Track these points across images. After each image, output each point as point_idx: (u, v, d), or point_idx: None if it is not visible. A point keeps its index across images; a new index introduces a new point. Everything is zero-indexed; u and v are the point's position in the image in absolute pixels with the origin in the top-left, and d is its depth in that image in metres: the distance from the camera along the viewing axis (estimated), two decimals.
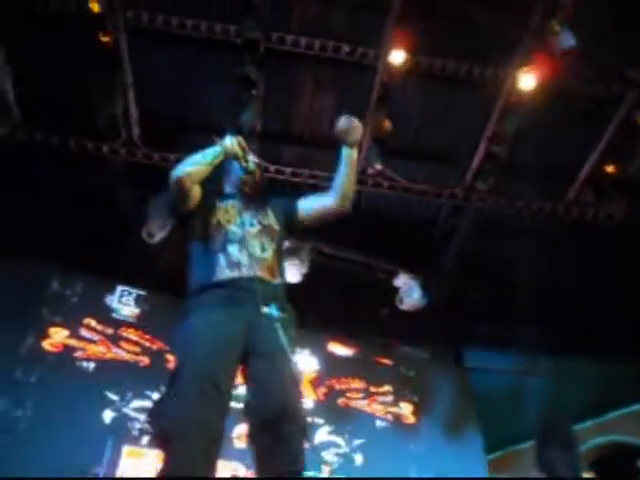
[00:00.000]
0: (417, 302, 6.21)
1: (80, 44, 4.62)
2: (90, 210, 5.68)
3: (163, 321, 5.82)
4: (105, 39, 4.34)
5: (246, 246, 2.04)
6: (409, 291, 6.18)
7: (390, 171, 5.29)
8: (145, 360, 5.58)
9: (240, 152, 2.22)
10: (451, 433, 6.50)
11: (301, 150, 5.65)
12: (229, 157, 2.23)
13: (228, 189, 2.33)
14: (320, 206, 2.31)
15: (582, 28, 4.16)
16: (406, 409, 6.56)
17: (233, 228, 2.10)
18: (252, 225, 2.15)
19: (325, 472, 5.49)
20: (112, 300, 5.75)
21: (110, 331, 5.55)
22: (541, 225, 6.07)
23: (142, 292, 5.88)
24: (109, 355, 5.45)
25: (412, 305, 6.23)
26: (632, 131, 4.95)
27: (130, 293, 5.84)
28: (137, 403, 5.29)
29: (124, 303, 5.78)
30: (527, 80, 4.55)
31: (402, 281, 6.25)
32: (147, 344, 5.64)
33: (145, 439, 5.09)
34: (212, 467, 1.70)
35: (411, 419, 6.54)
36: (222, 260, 2.01)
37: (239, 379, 1.94)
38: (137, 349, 5.59)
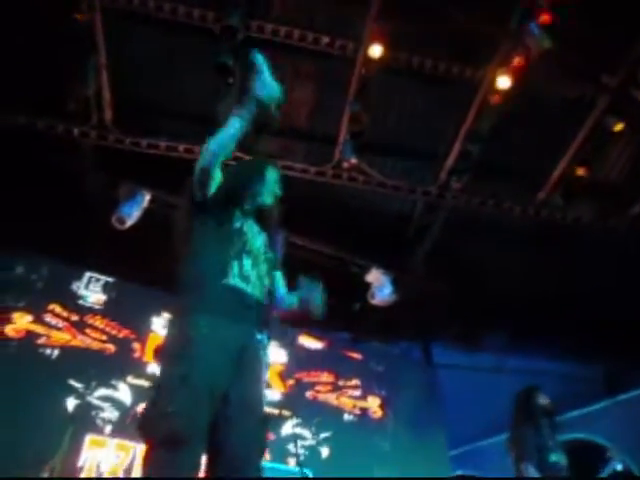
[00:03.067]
0: (388, 298, 6.24)
1: (53, 22, 4.50)
2: (59, 194, 5.54)
3: (131, 309, 5.74)
4: (79, 17, 4.21)
5: (257, 264, 1.99)
6: (381, 286, 6.21)
7: (365, 166, 5.30)
8: (111, 348, 5.49)
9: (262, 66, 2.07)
10: (416, 428, 6.57)
11: (279, 141, 5.60)
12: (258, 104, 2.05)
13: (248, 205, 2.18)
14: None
15: (559, 32, 4.22)
16: (373, 403, 6.61)
17: (252, 241, 2.04)
18: (263, 248, 2.10)
19: (290, 464, 5.49)
20: (79, 286, 5.64)
21: (76, 318, 5.43)
22: (512, 225, 6.17)
23: (110, 279, 5.77)
24: (74, 342, 5.34)
25: (383, 300, 6.26)
26: (603, 136, 5.05)
27: (98, 280, 5.73)
28: (102, 392, 5.20)
29: (91, 290, 5.66)
30: (503, 80, 4.59)
31: (374, 276, 6.28)
32: (113, 332, 5.55)
33: (108, 428, 5.02)
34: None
35: (378, 413, 6.60)
36: (236, 268, 1.91)
37: None
38: (103, 337, 5.49)
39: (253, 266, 1.97)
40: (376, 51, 4.53)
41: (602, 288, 6.43)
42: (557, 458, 3.28)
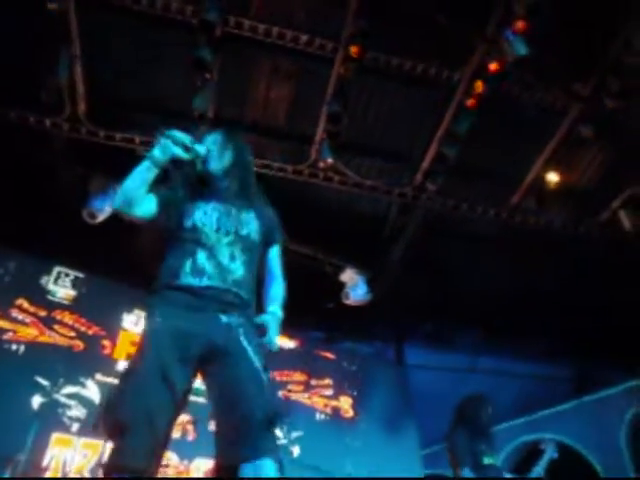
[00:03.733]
0: (362, 298, 6.26)
1: (26, 10, 4.39)
2: (29, 186, 5.42)
3: (101, 305, 5.66)
4: (52, 7, 4.11)
5: (215, 254, 1.99)
6: (355, 286, 6.22)
7: (342, 166, 5.30)
8: (80, 345, 5.39)
9: (179, 150, 2.00)
10: (388, 427, 6.61)
11: (255, 138, 5.57)
12: (171, 160, 2.03)
13: (203, 185, 2.18)
14: (267, 267, 2.22)
15: (534, 40, 4.28)
16: (345, 403, 6.63)
17: (207, 233, 2.03)
18: (227, 233, 2.05)
19: None
20: (48, 281, 5.52)
21: (44, 313, 5.32)
22: (486, 228, 6.25)
23: (80, 274, 5.67)
24: (41, 338, 5.23)
25: (357, 300, 6.28)
26: (575, 143, 5.15)
27: (68, 275, 5.63)
28: (69, 389, 5.11)
29: (61, 285, 5.55)
30: (479, 84, 4.64)
31: (348, 276, 6.29)
32: (82, 328, 5.45)
33: (75, 427, 4.93)
34: (157, 463, 1.71)
35: (350, 413, 6.62)
36: (187, 265, 1.96)
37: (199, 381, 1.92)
38: (72, 333, 5.39)
39: (209, 257, 1.98)
40: (354, 51, 4.52)
41: (573, 291, 6.56)
42: (491, 460, 3.40)
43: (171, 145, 1.99)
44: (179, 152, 2.00)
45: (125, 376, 1.80)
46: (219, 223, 2.07)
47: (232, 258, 2.02)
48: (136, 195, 1.99)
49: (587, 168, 5.63)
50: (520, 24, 4.25)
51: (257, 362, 1.84)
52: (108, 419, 1.72)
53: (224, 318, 1.89)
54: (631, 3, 4.27)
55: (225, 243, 2.03)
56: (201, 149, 2.07)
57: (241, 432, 1.73)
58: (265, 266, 2.20)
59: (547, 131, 5.21)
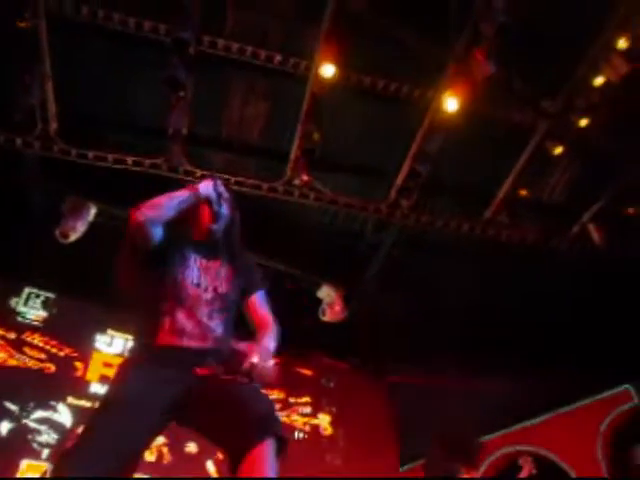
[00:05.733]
0: (339, 314, 6.26)
1: None
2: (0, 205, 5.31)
3: (73, 326, 5.54)
4: (22, 25, 4.08)
5: (195, 312, 1.94)
6: (332, 303, 6.22)
7: (318, 182, 5.33)
8: (51, 367, 5.26)
9: (215, 196, 2.07)
10: (367, 445, 6.57)
11: (229, 156, 5.58)
12: (201, 201, 2.06)
13: (196, 237, 2.14)
14: (256, 316, 2.14)
15: (502, 59, 4.39)
16: (324, 420, 6.58)
17: (189, 289, 1.98)
18: (206, 290, 2.01)
19: None
20: (18, 302, 5.39)
21: (13, 336, 5.19)
22: (460, 243, 6.32)
23: (52, 295, 5.55)
24: (10, 362, 5.08)
25: (334, 317, 6.27)
26: (544, 159, 5.27)
27: (38, 295, 5.50)
28: (39, 414, 4.97)
29: (31, 306, 5.43)
30: (450, 103, 4.73)
31: (325, 292, 6.28)
32: (54, 350, 5.32)
33: (46, 452, 4.78)
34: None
35: (329, 430, 6.56)
36: (167, 324, 1.90)
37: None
38: (42, 355, 5.26)
39: (190, 316, 1.93)
40: (328, 70, 4.59)
41: (547, 305, 6.66)
42: None
43: (214, 193, 2.06)
44: (215, 202, 2.07)
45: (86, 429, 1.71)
46: (200, 279, 2.02)
47: (210, 316, 1.97)
48: (165, 217, 1.95)
49: (557, 183, 5.76)
50: (489, 44, 4.37)
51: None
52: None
53: (202, 371, 1.83)
54: (598, 24, 4.42)
55: (205, 301, 1.98)
56: (224, 210, 2.12)
57: (244, 422, 1.66)
58: (254, 315, 2.13)
59: (517, 147, 5.32)
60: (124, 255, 2.04)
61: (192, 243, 2.10)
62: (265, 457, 1.61)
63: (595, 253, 5.64)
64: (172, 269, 2.00)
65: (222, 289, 2.04)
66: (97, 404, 1.84)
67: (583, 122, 4.83)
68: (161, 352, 1.86)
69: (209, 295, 2.00)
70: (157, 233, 1.96)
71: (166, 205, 1.96)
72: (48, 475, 1.69)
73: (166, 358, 1.84)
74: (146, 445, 1.77)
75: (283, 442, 1.68)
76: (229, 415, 1.69)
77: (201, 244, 2.11)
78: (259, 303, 2.16)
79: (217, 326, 1.97)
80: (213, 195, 2.08)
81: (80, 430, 1.72)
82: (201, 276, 2.03)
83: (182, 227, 2.09)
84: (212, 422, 1.75)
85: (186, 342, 1.89)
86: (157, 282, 1.98)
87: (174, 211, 1.96)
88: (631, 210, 5.25)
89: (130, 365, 1.87)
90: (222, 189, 2.12)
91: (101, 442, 1.63)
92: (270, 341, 2.02)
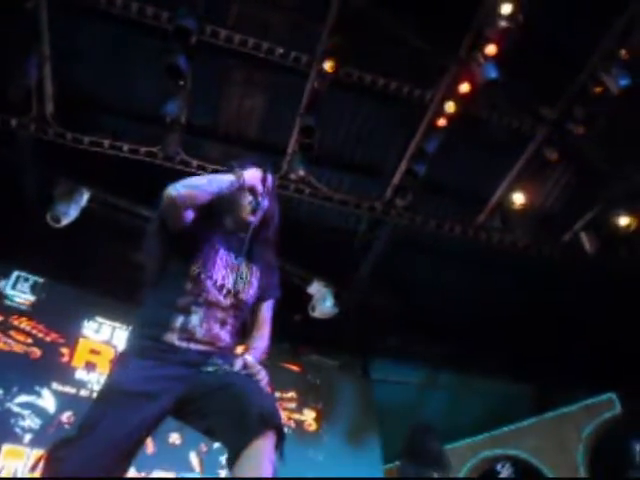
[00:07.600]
0: (329, 311, 6.26)
1: None
2: None
3: (61, 312, 5.49)
4: (29, 5, 4.02)
5: (210, 319, 1.86)
6: (322, 299, 6.22)
7: (313, 178, 5.31)
8: (37, 352, 5.21)
9: (261, 189, 1.97)
10: (351, 442, 6.59)
11: (226, 148, 5.54)
12: (243, 189, 1.94)
13: (230, 227, 2.02)
14: (257, 320, 2.08)
15: (504, 64, 4.40)
16: (309, 416, 6.59)
17: (210, 292, 1.87)
18: (228, 294, 1.90)
19: (222, 475, 5.38)
20: (6, 286, 5.33)
21: None
22: (452, 245, 6.35)
23: (40, 279, 5.49)
24: None
25: (324, 313, 6.28)
26: (541, 165, 5.29)
27: (27, 279, 5.44)
28: (23, 398, 4.92)
29: (19, 290, 5.37)
30: (450, 104, 4.74)
31: (315, 289, 6.28)
32: (40, 335, 5.27)
33: (28, 437, 4.75)
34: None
35: (313, 426, 6.57)
36: (178, 322, 1.82)
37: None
38: (29, 340, 5.20)
39: (202, 320, 1.85)
40: (329, 66, 4.57)
41: (534, 310, 6.71)
42: None
43: (261, 185, 1.98)
44: (260, 195, 1.98)
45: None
46: (223, 279, 1.92)
47: (223, 324, 1.90)
48: (202, 196, 1.82)
49: (551, 190, 5.79)
50: (491, 48, 4.38)
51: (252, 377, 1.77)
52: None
53: (207, 369, 1.81)
54: (597, 38, 4.44)
55: (221, 307, 1.90)
56: (265, 203, 2.01)
57: (247, 415, 1.63)
58: (255, 316, 2.06)
59: (514, 153, 5.34)
60: (153, 228, 1.91)
61: (223, 233, 2.00)
62: (265, 450, 1.61)
63: (586, 261, 5.68)
64: (197, 261, 1.89)
65: (243, 295, 1.95)
66: (96, 394, 1.82)
67: (580, 130, 4.85)
68: (167, 349, 1.79)
69: (228, 301, 1.91)
70: (188, 215, 1.84)
71: (204, 187, 1.82)
72: (43, 464, 1.64)
73: (171, 356, 1.79)
74: (144, 438, 1.74)
75: (283, 436, 1.67)
76: (231, 407, 1.67)
77: (232, 236, 2.00)
78: (267, 309, 2.09)
79: (227, 334, 1.91)
80: (259, 187, 1.98)
81: (68, 416, 1.72)
82: (225, 277, 1.92)
83: (216, 214, 1.98)
84: (214, 415, 1.72)
85: (193, 346, 1.82)
86: (178, 272, 1.88)
87: (211, 195, 1.83)
88: (623, 220, 5.28)
89: (131, 356, 1.81)
90: (271, 183, 2.01)
91: (100, 434, 1.62)
92: (264, 342, 2.02)
